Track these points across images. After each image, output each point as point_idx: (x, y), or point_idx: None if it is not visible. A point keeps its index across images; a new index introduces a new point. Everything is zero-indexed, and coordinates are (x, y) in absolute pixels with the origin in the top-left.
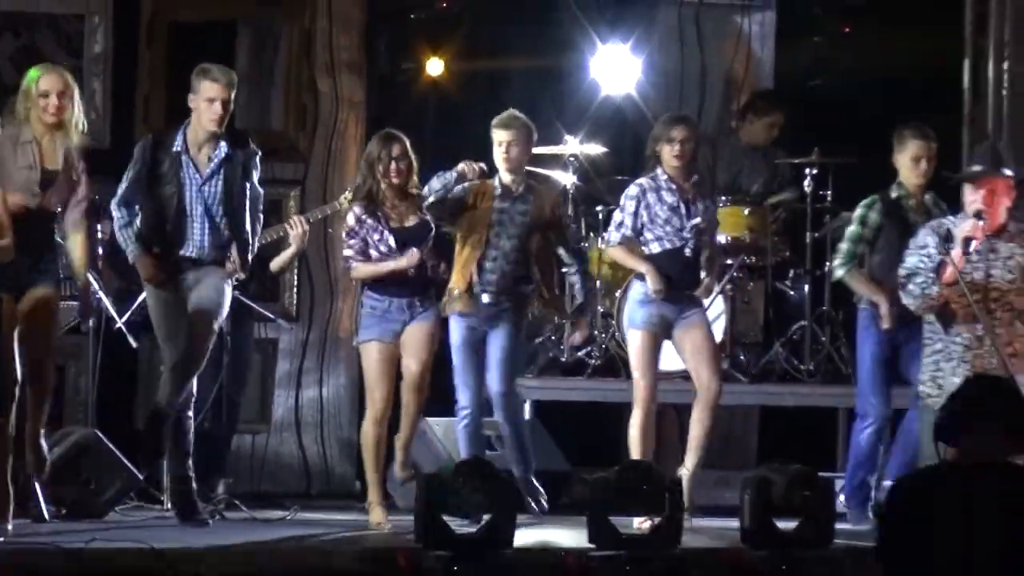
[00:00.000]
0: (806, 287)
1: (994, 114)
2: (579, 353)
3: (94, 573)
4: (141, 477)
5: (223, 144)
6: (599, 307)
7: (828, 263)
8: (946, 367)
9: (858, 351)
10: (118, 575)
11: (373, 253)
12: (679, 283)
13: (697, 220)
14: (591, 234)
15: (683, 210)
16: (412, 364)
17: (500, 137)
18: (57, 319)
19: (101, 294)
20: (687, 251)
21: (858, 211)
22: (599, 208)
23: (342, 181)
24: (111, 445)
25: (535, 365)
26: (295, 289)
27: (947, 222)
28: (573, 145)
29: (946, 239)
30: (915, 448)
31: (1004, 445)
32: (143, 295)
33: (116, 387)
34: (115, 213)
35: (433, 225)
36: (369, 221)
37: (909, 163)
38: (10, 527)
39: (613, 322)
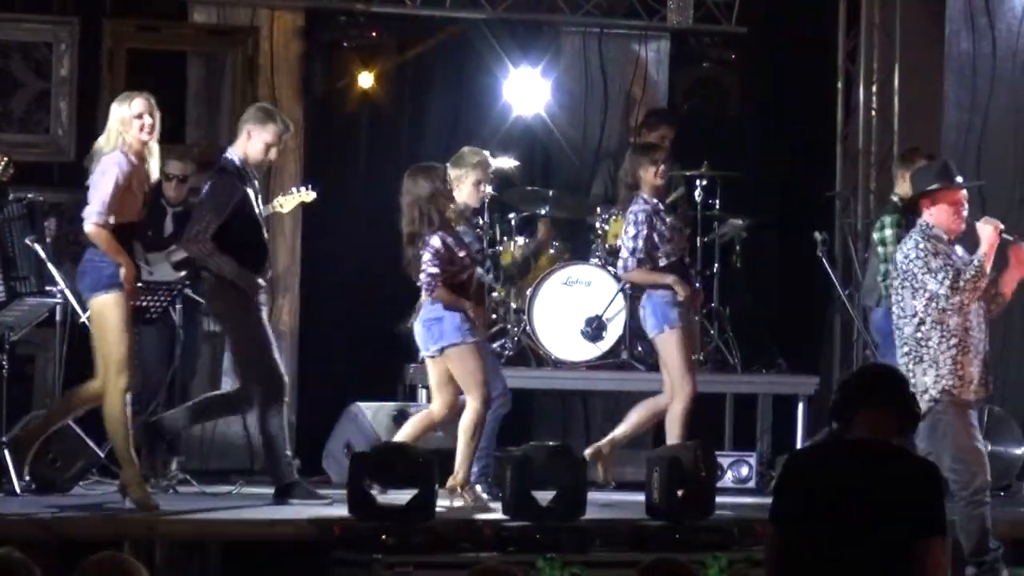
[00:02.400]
0: (697, 286)
1: (863, 133)
2: (493, 345)
3: (60, 540)
4: (102, 456)
5: None
6: (512, 304)
7: (717, 264)
8: (963, 359)
9: None
10: (81, 541)
11: (457, 267)
12: None
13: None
14: (504, 238)
15: (679, 227)
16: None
17: (482, 175)
18: None
19: (67, 291)
20: (686, 260)
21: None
22: (512, 215)
23: (281, 188)
24: (76, 427)
25: None
26: None
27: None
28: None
29: None
30: None
31: (891, 427)
32: None
33: (80, 375)
34: (205, 247)
35: None
36: (450, 240)
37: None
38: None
39: (524, 317)
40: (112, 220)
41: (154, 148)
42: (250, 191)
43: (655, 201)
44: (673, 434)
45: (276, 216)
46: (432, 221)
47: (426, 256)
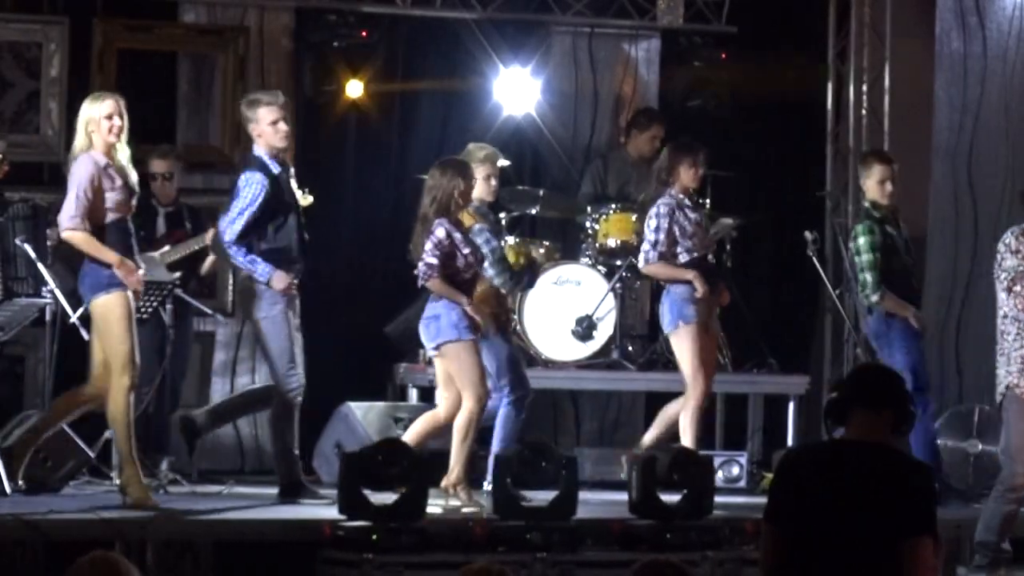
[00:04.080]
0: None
1: (854, 132)
2: None
3: (51, 540)
4: (92, 456)
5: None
6: None
7: None
8: None
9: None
10: (72, 542)
11: (459, 264)
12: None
13: (715, 231)
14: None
15: (704, 224)
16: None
17: (491, 169)
18: None
19: (57, 292)
20: (710, 258)
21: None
22: (502, 215)
23: None
24: (66, 427)
25: None
26: (231, 287)
27: None
28: None
29: None
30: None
31: (886, 428)
32: None
33: (70, 376)
34: (234, 249)
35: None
36: (457, 236)
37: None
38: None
39: (514, 316)
40: (85, 223)
41: (122, 148)
42: (288, 188)
43: (681, 196)
44: (686, 434)
45: None
46: (442, 211)
47: (428, 245)
